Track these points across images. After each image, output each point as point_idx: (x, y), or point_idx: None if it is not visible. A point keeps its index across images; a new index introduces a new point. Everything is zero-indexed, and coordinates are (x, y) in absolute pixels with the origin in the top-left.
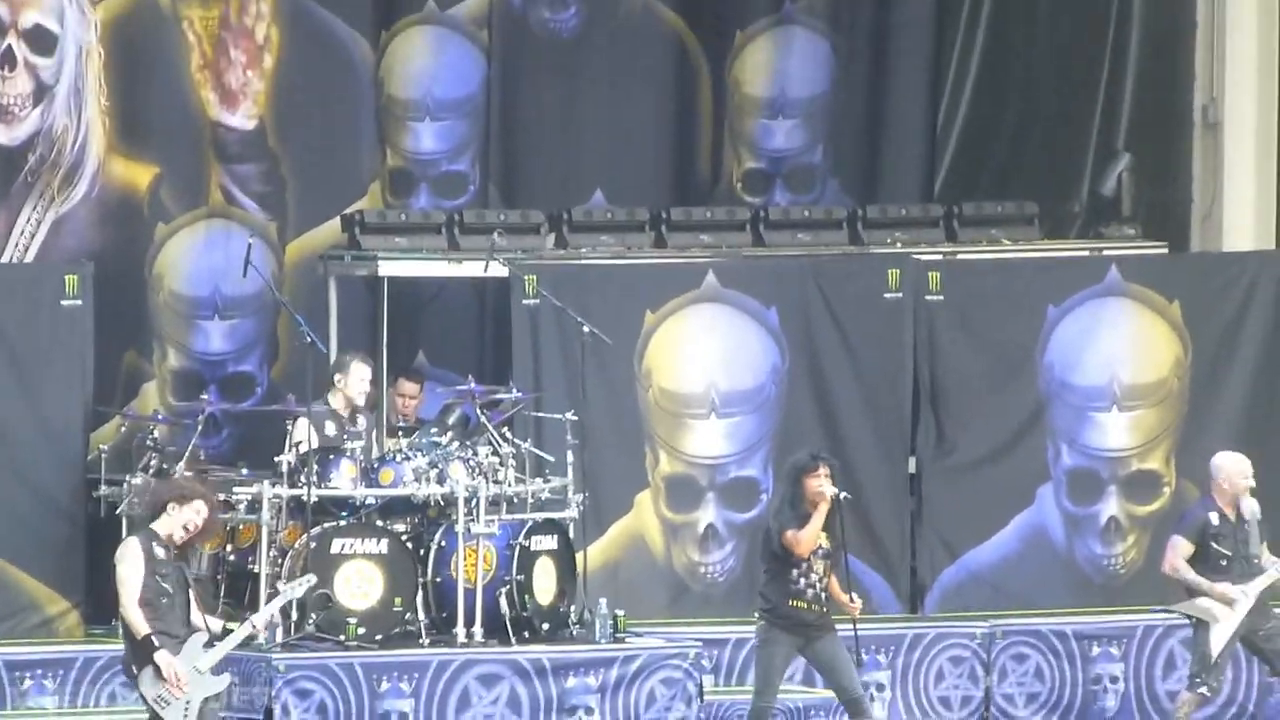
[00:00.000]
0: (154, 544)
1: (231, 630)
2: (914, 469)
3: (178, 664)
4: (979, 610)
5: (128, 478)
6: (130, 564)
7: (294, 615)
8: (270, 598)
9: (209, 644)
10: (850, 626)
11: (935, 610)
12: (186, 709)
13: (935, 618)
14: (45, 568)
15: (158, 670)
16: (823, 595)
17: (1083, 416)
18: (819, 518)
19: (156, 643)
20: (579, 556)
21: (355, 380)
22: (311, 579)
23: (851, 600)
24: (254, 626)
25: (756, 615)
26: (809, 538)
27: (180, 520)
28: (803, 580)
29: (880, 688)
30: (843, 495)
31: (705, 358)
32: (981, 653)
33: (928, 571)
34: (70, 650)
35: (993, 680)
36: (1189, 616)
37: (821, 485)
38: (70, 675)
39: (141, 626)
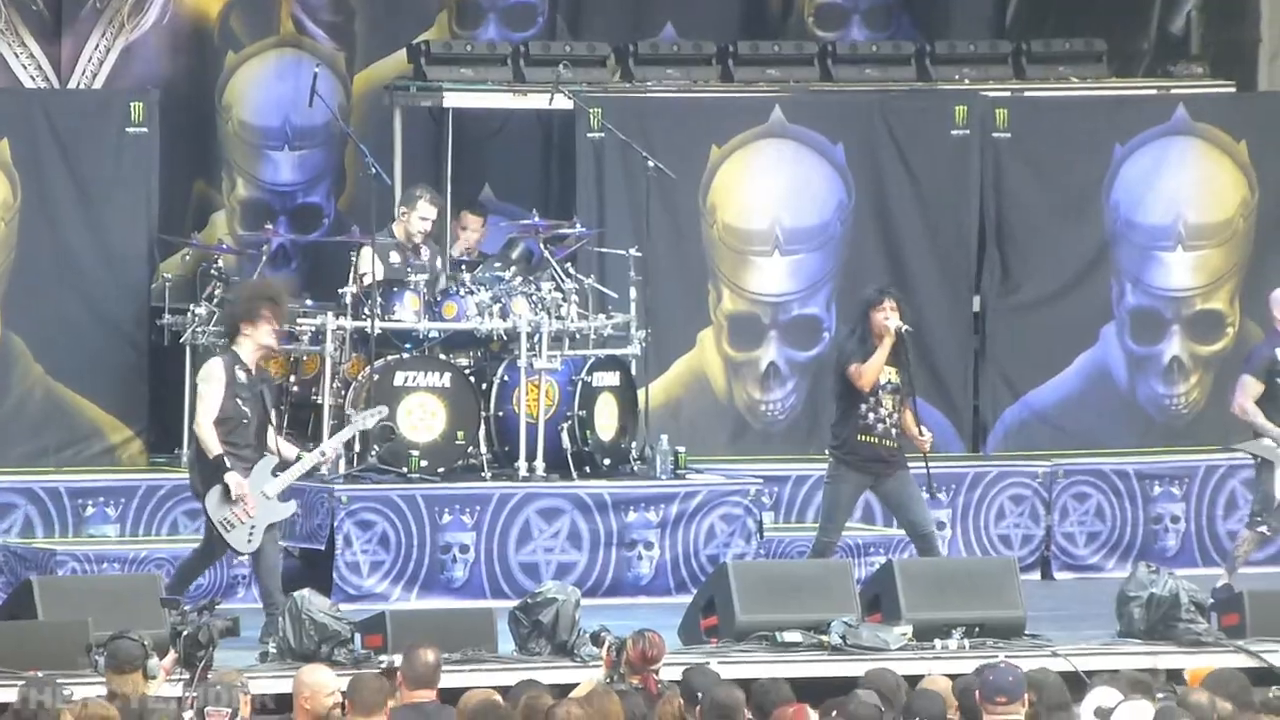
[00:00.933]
0: (236, 366)
1: (301, 458)
2: (978, 307)
3: (246, 486)
4: (1040, 449)
5: (192, 307)
6: (212, 383)
7: (357, 447)
8: (337, 428)
9: (276, 470)
10: (921, 462)
11: (997, 449)
12: (251, 534)
13: (997, 456)
14: (108, 396)
15: (226, 492)
16: (893, 431)
17: (1147, 256)
18: (883, 351)
19: (228, 464)
20: (640, 393)
21: (417, 218)
22: (383, 410)
23: (921, 434)
24: (323, 455)
25: (827, 451)
26: (872, 371)
27: (256, 340)
28: (871, 415)
29: (941, 525)
30: (905, 329)
31: (770, 194)
32: (1043, 491)
33: (990, 410)
34: (133, 478)
35: (1053, 519)
36: (1253, 455)
37: (887, 318)
38: (132, 503)
39: (214, 446)
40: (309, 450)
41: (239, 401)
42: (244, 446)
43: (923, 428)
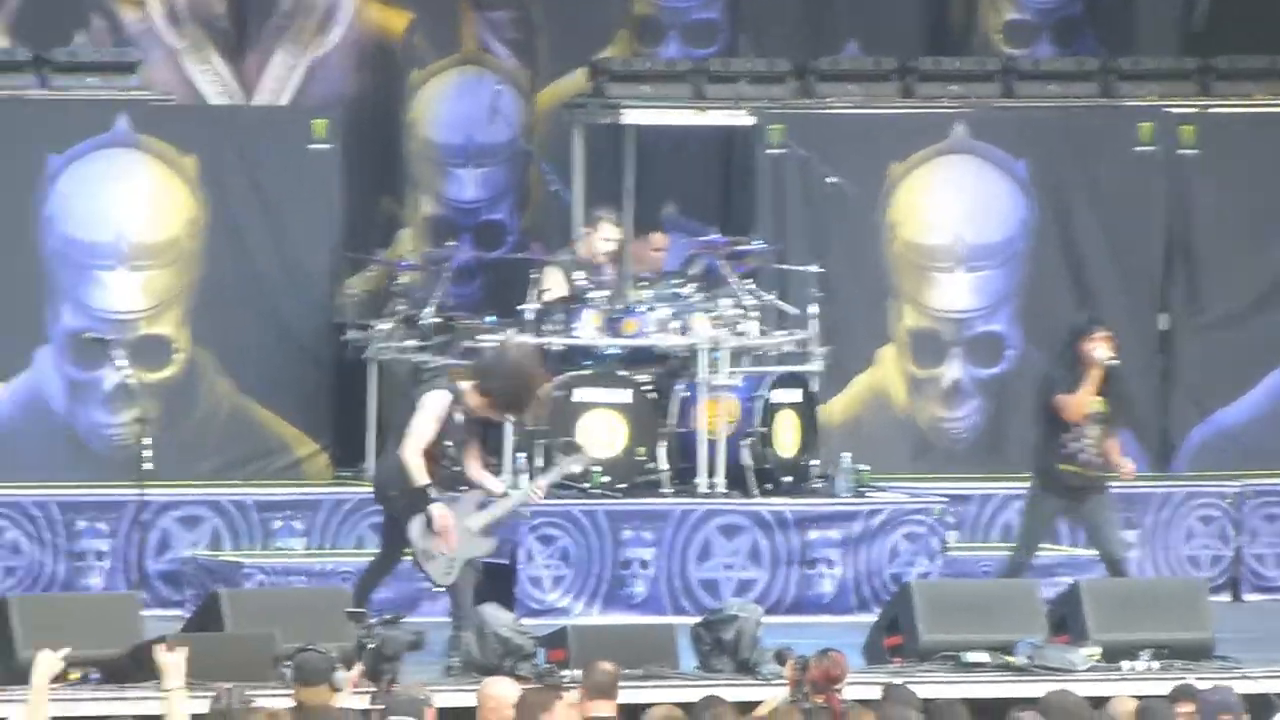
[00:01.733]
0: (455, 407)
1: (508, 495)
2: (1164, 326)
3: (450, 520)
4: (1229, 470)
5: (376, 323)
6: (428, 416)
7: (540, 463)
8: (546, 469)
9: (482, 504)
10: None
11: (1185, 469)
12: (450, 566)
13: (1185, 476)
14: (294, 410)
15: (428, 522)
16: (1096, 460)
17: None
18: (1091, 384)
19: (433, 494)
20: (821, 410)
21: (600, 239)
22: (589, 457)
23: (1123, 465)
24: (528, 496)
25: (1031, 473)
26: (1078, 403)
27: (495, 411)
28: (1073, 444)
29: (1129, 546)
30: (1113, 362)
31: (952, 209)
32: (1232, 512)
33: (1177, 430)
34: (319, 492)
35: (1243, 540)
36: None
37: (1096, 350)
38: (318, 517)
39: (420, 476)
40: (513, 488)
41: (448, 443)
42: (446, 480)
43: (1125, 459)
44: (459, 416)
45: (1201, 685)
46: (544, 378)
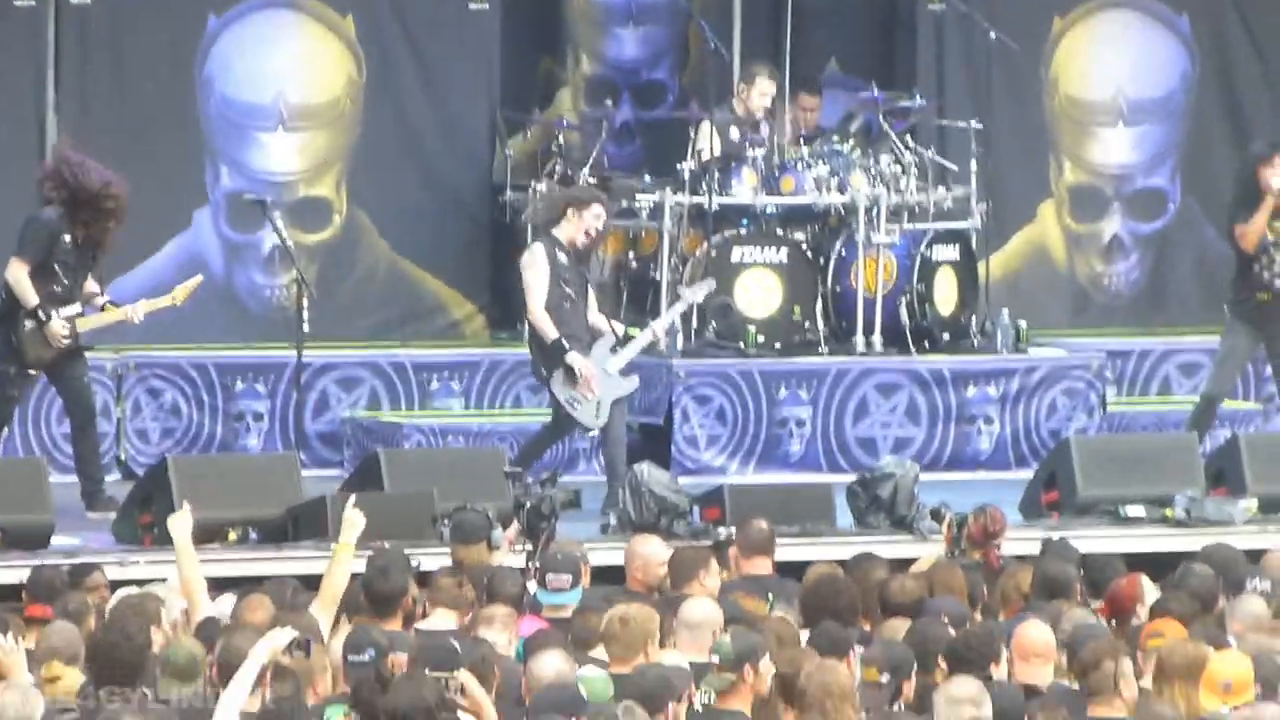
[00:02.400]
0: (557, 249)
1: (633, 335)
2: None
3: (589, 366)
4: None
5: (533, 183)
6: (537, 270)
7: (694, 322)
8: (671, 303)
9: (615, 347)
10: None
11: None
12: (598, 409)
13: None
14: (452, 271)
15: (569, 372)
16: None
17: None
18: (1266, 210)
19: (567, 345)
20: (981, 266)
21: (756, 94)
22: (711, 283)
23: None
24: (655, 333)
25: (1225, 306)
26: (1255, 230)
27: (580, 225)
28: (1266, 273)
29: None
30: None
31: (1113, 64)
32: None
33: None
34: (476, 353)
35: None
36: None
37: (1272, 178)
38: (476, 377)
39: (550, 331)
40: (643, 327)
41: (563, 284)
42: (576, 326)
43: None
44: (563, 257)
45: None
46: (586, 186)
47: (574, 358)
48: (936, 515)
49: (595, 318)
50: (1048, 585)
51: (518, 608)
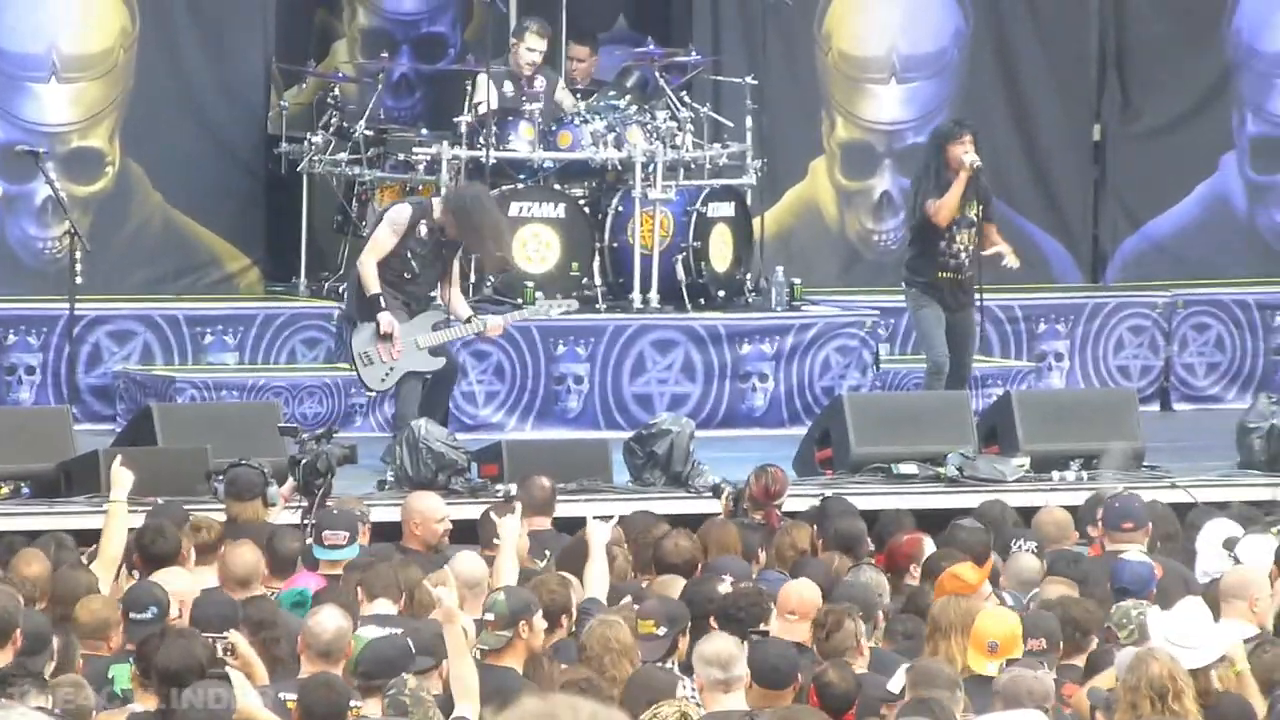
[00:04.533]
0: (423, 221)
1: (470, 322)
2: (1097, 136)
3: (397, 328)
4: (1160, 280)
5: (309, 136)
6: (390, 229)
7: (473, 277)
8: (514, 309)
9: (439, 325)
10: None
11: (1116, 279)
12: (386, 375)
13: (1116, 287)
14: (226, 224)
15: (378, 328)
16: (967, 265)
17: (1269, 83)
18: (958, 187)
19: (383, 304)
20: (756, 223)
21: (525, 49)
22: (574, 304)
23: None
24: (485, 325)
25: (904, 285)
26: (948, 205)
27: (455, 230)
28: (947, 252)
29: (1059, 357)
30: (977, 164)
31: (887, 20)
32: (1162, 322)
33: (1109, 240)
34: (251, 306)
35: (1173, 350)
36: None
37: (966, 153)
38: (250, 331)
39: (372, 284)
40: (476, 317)
41: (410, 254)
42: (407, 294)
43: (1004, 244)
44: (423, 230)
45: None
46: (506, 231)
47: (384, 316)
48: (716, 492)
49: (456, 301)
50: (840, 540)
51: (292, 566)
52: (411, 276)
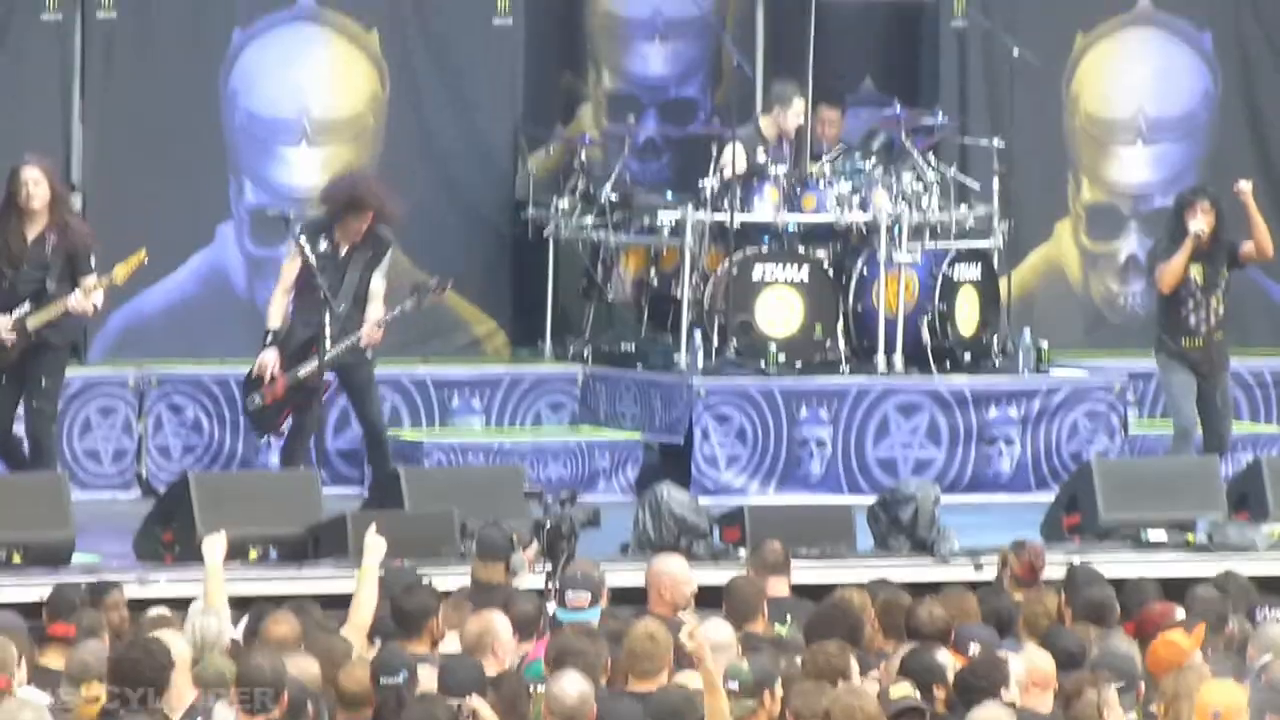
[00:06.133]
0: (321, 238)
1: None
2: None
3: (273, 364)
4: None
5: (555, 199)
6: (288, 260)
7: (715, 341)
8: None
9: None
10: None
11: None
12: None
13: None
14: (473, 288)
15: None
16: (1215, 331)
17: None
18: (1182, 254)
19: (268, 340)
20: (1002, 286)
21: (792, 115)
22: (440, 288)
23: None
24: (364, 336)
25: (1155, 346)
26: (1171, 271)
27: (348, 223)
28: (1193, 318)
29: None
30: (1200, 233)
31: (1134, 82)
32: None
33: None
34: (497, 370)
35: None
36: None
37: (1191, 221)
38: (497, 395)
39: (271, 319)
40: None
41: (315, 276)
42: (316, 321)
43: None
44: (324, 247)
45: None
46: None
47: (265, 352)
48: (977, 564)
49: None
50: (1090, 609)
51: (534, 628)
52: (322, 302)
